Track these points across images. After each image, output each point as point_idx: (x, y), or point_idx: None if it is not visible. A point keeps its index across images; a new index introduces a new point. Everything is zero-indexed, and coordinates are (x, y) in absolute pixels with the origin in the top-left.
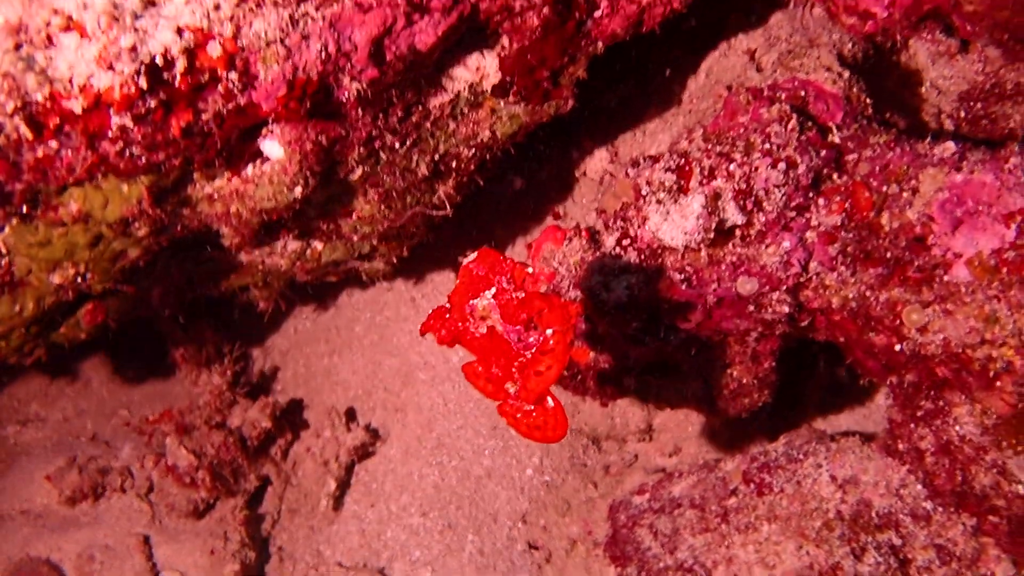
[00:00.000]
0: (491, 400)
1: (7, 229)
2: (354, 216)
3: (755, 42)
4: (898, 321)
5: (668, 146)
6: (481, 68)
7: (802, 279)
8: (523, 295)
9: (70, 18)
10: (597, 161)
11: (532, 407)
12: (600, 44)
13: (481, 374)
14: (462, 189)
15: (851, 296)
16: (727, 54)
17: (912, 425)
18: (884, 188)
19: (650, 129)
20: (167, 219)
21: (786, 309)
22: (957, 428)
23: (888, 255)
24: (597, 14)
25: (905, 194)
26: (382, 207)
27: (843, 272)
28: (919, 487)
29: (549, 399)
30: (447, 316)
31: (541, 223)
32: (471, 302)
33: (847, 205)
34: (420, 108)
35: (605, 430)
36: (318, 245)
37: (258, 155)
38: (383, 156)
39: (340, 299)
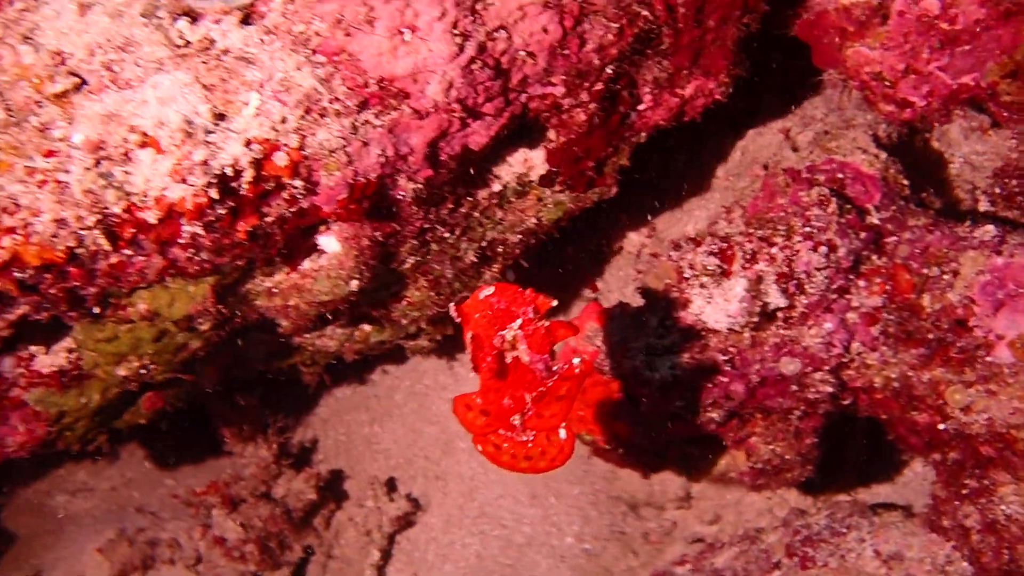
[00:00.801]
0: (474, 434)
1: (77, 327)
2: (404, 302)
3: (790, 121)
4: (941, 400)
5: (706, 223)
6: (528, 160)
7: (844, 359)
8: (549, 324)
9: (146, 135)
10: (633, 235)
11: (527, 437)
12: (643, 134)
13: (476, 407)
14: (507, 272)
15: (893, 376)
16: (762, 132)
17: (957, 502)
18: (925, 270)
19: (687, 205)
20: (228, 313)
21: (829, 389)
22: (1003, 507)
23: (930, 336)
24: (641, 107)
25: (946, 276)
26: (431, 293)
27: (885, 352)
28: (965, 565)
29: (562, 430)
30: (483, 348)
31: (578, 296)
32: (500, 333)
33: (888, 287)
34: (470, 199)
35: (644, 497)
36: (367, 327)
37: (315, 250)
38: (434, 246)
39: (379, 368)
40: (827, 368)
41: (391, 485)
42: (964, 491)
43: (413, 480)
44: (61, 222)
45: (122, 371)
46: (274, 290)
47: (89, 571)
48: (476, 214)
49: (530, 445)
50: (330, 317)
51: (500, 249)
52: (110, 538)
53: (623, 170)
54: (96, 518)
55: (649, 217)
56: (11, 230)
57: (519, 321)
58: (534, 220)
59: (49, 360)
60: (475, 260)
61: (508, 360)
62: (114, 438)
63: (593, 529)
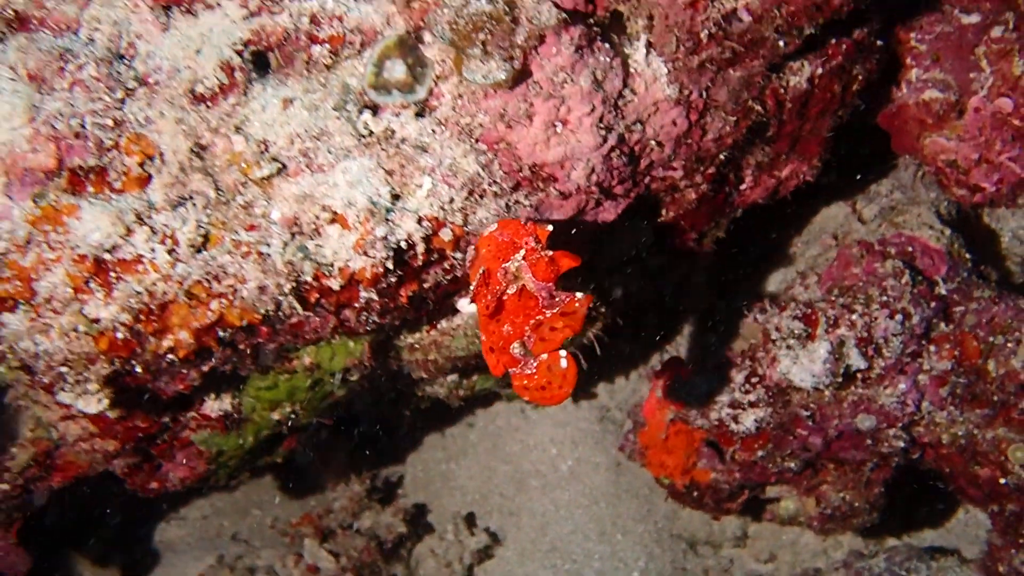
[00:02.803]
0: (499, 372)
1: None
2: None
3: (855, 195)
4: (1003, 457)
5: (779, 286)
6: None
7: (916, 417)
8: (552, 253)
9: (335, 213)
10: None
11: (535, 371)
12: (740, 210)
13: (485, 348)
14: (607, 331)
15: (960, 433)
16: (829, 204)
17: (1013, 551)
18: (990, 338)
19: (760, 267)
20: (377, 366)
21: (901, 444)
22: None
23: (995, 398)
24: (742, 187)
25: (1010, 344)
26: None
27: (952, 412)
28: None
29: (563, 360)
30: (488, 283)
31: (658, 349)
32: (504, 265)
33: (956, 352)
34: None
35: (703, 535)
36: (475, 376)
37: (453, 310)
38: None
39: (455, 408)
40: (900, 425)
41: (471, 520)
42: (1020, 540)
43: (489, 515)
44: (263, 289)
45: (276, 415)
46: (415, 345)
47: None
48: (588, 276)
49: (536, 377)
50: (460, 366)
51: (602, 308)
52: (211, 564)
53: (718, 240)
54: (191, 545)
55: (720, 279)
56: (219, 295)
57: (522, 252)
58: (637, 284)
59: (217, 405)
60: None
61: (514, 290)
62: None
63: (657, 565)
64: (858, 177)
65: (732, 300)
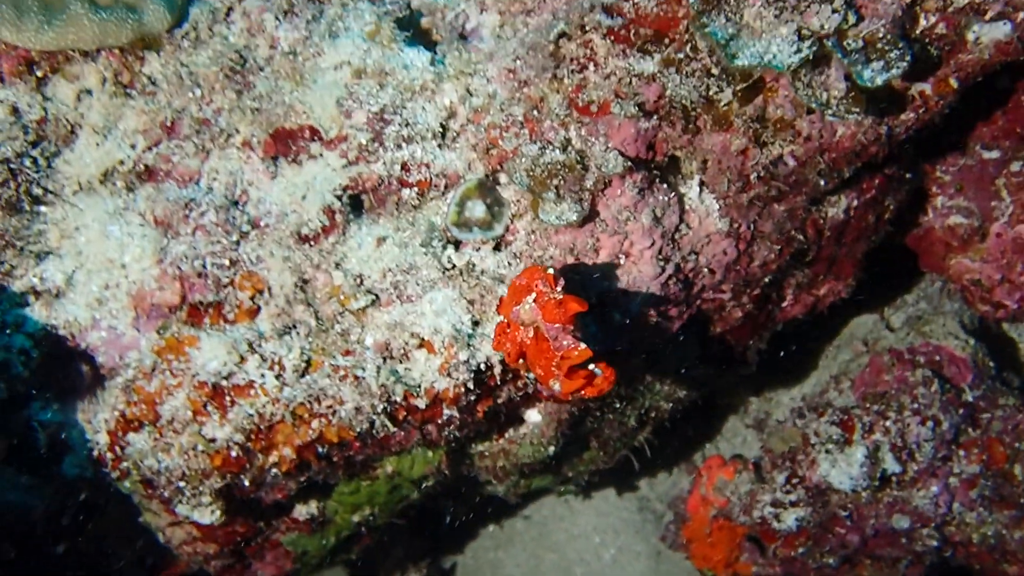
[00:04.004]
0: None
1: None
2: (578, 460)
3: (884, 303)
4: None
5: (812, 388)
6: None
7: (947, 518)
8: (560, 295)
9: (423, 339)
10: (744, 393)
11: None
12: (780, 325)
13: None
14: (656, 433)
15: (989, 533)
16: (859, 311)
17: None
18: (1016, 444)
19: (793, 373)
20: (451, 473)
21: (934, 543)
22: None
23: (1021, 500)
24: (784, 304)
25: None
26: (600, 452)
27: (982, 512)
28: None
29: (595, 367)
30: (508, 330)
31: (696, 446)
32: (514, 308)
33: (984, 457)
34: (640, 376)
35: None
36: (535, 477)
37: (519, 420)
38: (608, 415)
39: (500, 497)
40: (933, 525)
41: None
42: None
43: None
44: (359, 409)
45: (356, 518)
46: (485, 453)
47: None
48: (641, 387)
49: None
50: (525, 472)
51: (653, 415)
52: None
53: (760, 351)
54: None
55: (753, 378)
56: (320, 415)
57: (533, 295)
58: (684, 392)
59: (305, 510)
60: (635, 424)
61: (532, 333)
62: None
63: None
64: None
65: (769, 400)
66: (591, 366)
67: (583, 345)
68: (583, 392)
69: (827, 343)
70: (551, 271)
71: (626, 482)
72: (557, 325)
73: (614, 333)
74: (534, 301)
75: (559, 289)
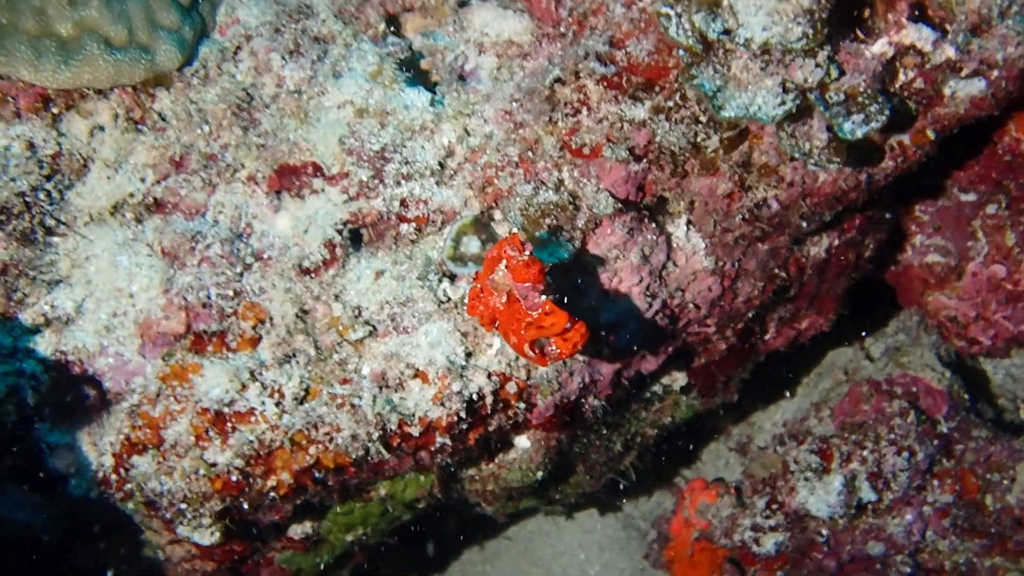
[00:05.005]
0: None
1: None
2: (565, 483)
3: (863, 333)
4: None
5: (793, 414)
6: (673, 374)
7: (921, 545)
8: (528, 256)
9: (418, 370)
10: (725, 417)
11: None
12: (763, 356)
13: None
14: (641, 459)
15: (961, 561)
16: (840, 340)
17: None
18: (988, 475)
19: (775, 399)
20: (442, 496)
21: (908, 570)
22: None
23: (992, 530)
24: (766, 337)
25: (1005, 482)
26: (587, 476)
27: (954, 541)
28: None
29: (568, 323)
30: (481, 295)
31: (678, 469)
32: (490, 276)
33: (957, 487)
34: (626, 405)
35: None
36: (523, 499)
37: (509, 445)
38: (595, 441)
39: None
40: (907, 552)
41: None
42: None
43: None
44: (355, 436)
45: (350, 537)
46: (475, 477)
47: None
48: (627, 415)
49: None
50: (514, 496)
51: (638, 440)
52: None
53: (743, 380)
54: None
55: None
56: (317, 442)
57: (504, 263)
58: (669, 418)
59: (300, 529)
60: (620, 449)
61: (505, 299)
62: None
63: None
64: (864, 334)
65: (751, 424)
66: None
67: (551, 297)
68: (558, 351)
69: (808, 371)
70: (518, 233)
71: (611, 501)
72: (527, 284)
73: (602, 365)
74: (505, 267)
75: (527, 253)
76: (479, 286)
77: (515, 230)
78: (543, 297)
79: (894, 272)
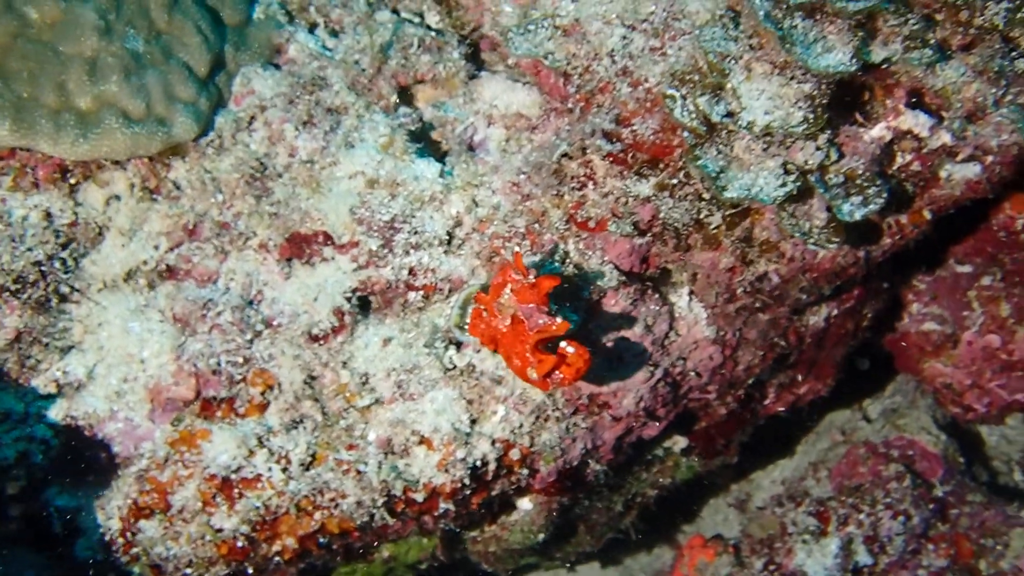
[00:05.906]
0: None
1: None
2: (566, 543)
3: (861, 394)
4: None
5: (791, 472)
6: (675, 437)
7: None
8: (533, 280)
9: (423, 436)
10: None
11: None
12: (762, 419)
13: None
14: (641, 518)
15: None
16: (838, 401)
17: None
18: (982, 541)
19: (773, 458)
20: (445, 559)
21: None
22: None
23: None
24: (766, 401)
25: (999, 547)
26: (587, 536)
27: None
28: None
29: (568, 345)
30: (484, 315)
31: (679, 531)
32: (497, 300)
33: (952, 551)
34: (628, 467)
35: None
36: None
37: (511, 506)
38: (597, 503)
39: None
40: None
41: None
42: None
43: None
44: (360, 503)
45: None
46: (477, 539)
47: None
48: (629, 477)
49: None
50: (516, 556)
51: (639, 500)
52: None
53: (742, 443)
54: None
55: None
56: (322, 507)
57: (509, 287)
58: (669, 479)
59: None
60: (621, 510)
61: (508, 322)
62: None
63: None
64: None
65: (751, 481)
66: (563, 344)
67: (559, 319)
68: (561, 376)
69: (806, 431)
70: (521, 254)
71: (611, 555)
72: (531, 305)
73: (604, 431)
74: (511, 291)
75: (531, 276)
76: (482, 307)
77: (518, 252)
78: (546, 319)
79: (892, 339)
